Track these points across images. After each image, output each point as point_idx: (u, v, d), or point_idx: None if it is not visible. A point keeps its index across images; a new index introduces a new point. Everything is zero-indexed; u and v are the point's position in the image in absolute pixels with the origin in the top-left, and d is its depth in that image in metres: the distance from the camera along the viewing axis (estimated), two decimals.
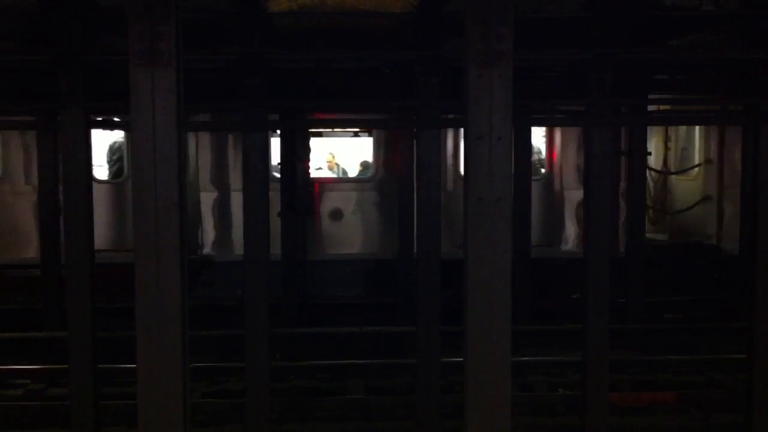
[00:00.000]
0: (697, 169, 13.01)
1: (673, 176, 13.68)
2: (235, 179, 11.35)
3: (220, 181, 11.62)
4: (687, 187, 13.20)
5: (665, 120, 11.43)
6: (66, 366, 6.06)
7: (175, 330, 3.93)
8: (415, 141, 10.87)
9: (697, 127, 12.91)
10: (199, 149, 11.54)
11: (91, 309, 5.92)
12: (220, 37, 6.55)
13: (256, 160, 5.98)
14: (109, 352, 7.42)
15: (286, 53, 6.94)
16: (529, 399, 7.83)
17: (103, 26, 6.07)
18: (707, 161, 12.69)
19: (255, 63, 6.01)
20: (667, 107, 11.44)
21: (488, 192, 3.96)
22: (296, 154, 10.85)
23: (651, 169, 12.11)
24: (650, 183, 12.63)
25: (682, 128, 13.25)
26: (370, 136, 11.97)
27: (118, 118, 8.54)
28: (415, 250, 10.17)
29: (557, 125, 11.79)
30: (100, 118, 6.94)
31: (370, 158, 12.16)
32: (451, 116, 7.62)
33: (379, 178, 11.86)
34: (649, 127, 11.34)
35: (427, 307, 6.21)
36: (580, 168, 11.60)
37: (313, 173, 11.85)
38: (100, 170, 12.08)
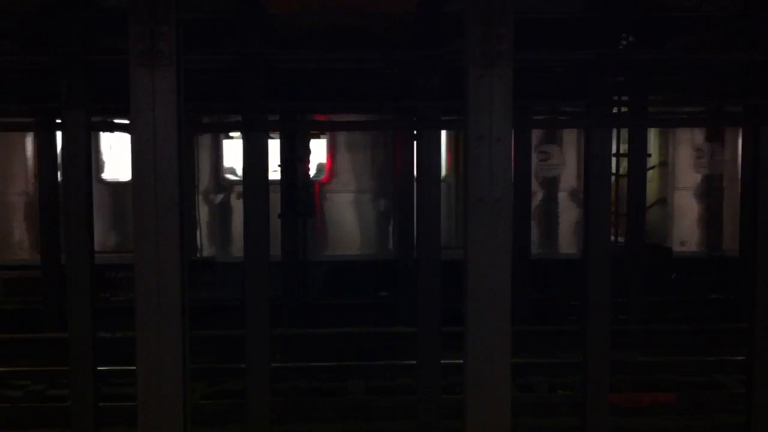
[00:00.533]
0: (651, 171, 13.00)
1: None
2: None
3: None
4: None
5: (665, 121, 11.40)
6: (66, 367, 6.05)
7: (175, 330, 3.93)
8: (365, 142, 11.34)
9: (652, 130, 12.91)
10: None
11: (92, 309, 5.92)
12: (221, 37, 6.54)
13: (256, 161, 5.98)
14: None
15: (286, 54, 6.93)
16: (529, 399, 7.82)
17: (103, 27, 6.06)
18: (662, 164, 12.71)
19: (255, 63, 6.01)
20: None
21: (488, 192, 3.96)
22: (296, 155, 10.86)
23: None
24: None
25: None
26: (323, 137, 11.99)
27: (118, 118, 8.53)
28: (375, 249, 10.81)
29: (557, 126, 11.78)
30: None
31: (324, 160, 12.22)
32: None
33: (332, 180, 11.93)
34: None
35: (427, 308, 6.21)
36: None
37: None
38: None
